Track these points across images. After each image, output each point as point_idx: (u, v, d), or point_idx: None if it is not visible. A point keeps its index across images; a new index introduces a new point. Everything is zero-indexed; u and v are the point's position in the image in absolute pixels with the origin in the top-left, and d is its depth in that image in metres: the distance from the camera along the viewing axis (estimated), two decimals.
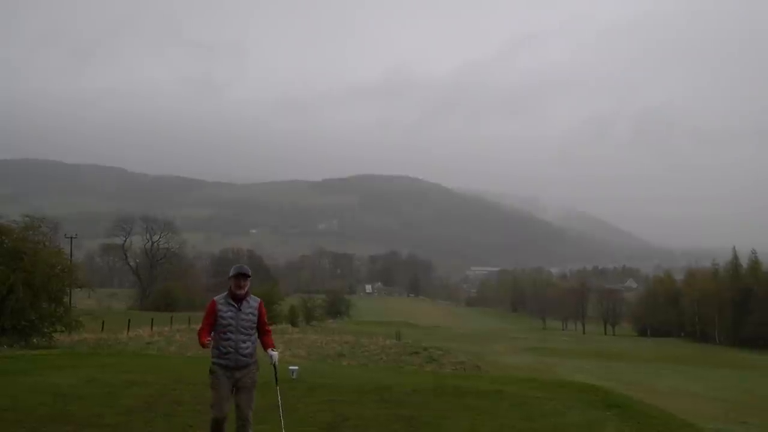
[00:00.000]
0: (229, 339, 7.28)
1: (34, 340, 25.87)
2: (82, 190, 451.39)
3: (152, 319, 45.67)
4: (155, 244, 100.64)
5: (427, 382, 15.34)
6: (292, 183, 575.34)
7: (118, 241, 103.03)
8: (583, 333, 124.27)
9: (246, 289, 7.44)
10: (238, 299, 7.40)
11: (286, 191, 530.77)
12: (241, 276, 7.42)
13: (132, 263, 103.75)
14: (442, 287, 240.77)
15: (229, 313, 7.32)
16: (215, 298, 7.53)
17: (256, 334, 7.57)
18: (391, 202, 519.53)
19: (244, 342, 7.36)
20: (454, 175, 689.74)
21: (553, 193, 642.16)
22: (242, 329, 7.35)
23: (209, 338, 7.23)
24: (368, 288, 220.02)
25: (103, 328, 36.51)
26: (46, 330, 26.77)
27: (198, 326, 8.04)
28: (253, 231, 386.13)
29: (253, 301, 7.54)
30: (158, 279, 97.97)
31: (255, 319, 7.49)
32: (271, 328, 8.01)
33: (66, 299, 29.85)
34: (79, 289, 34.01)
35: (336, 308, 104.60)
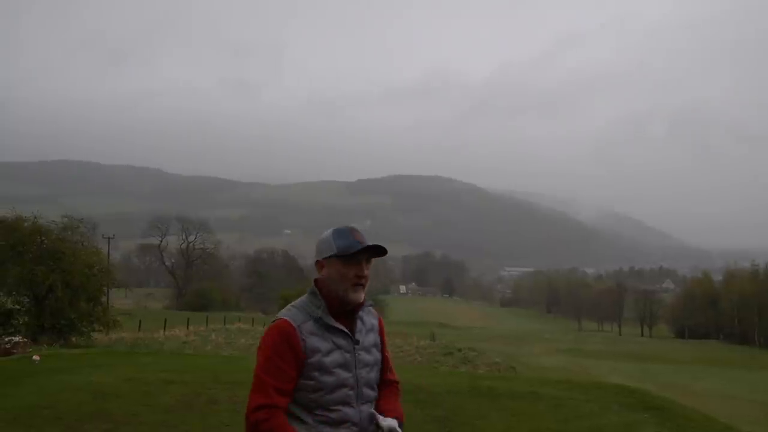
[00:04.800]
0: (346, 418, 2.73)
1: (73, 339, 26.16)
2: (118, 191, 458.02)
3: (188, 319, 45.95)
4: (191, 244, 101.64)
5: (462, 382, 15.23)
6: (326, 183, 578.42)
7: (155, 241, 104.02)
8: (620, 335, 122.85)
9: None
10: (348, 316, 2.87)
11: (319, 191, 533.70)
12: (369, 254, 2.81)
13: (168, 263, 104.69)
14: (476, 288, 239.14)
15: (336, 355, 2.75)
16: (286, 317, 2.72)
17: None
18: (424, 202, 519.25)
19: (371, 419, 2.81)
20: (489, 175, 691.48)
21: (588, 193, 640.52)
22: (366, 386, 2.87)
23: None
24: (402, 288, 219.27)
25: (140, 327, 36.83)
26: (84, 329, 26.97)
27: (259, 390, 2.68)
28: (287, 231, 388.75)
29: (369, 316, 3.02)
30: (193, 279, 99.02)
31: (379, 356, 3.03)
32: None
33: (104, 299, 30.13)
34: (116, 288, 34.33)
35: None
